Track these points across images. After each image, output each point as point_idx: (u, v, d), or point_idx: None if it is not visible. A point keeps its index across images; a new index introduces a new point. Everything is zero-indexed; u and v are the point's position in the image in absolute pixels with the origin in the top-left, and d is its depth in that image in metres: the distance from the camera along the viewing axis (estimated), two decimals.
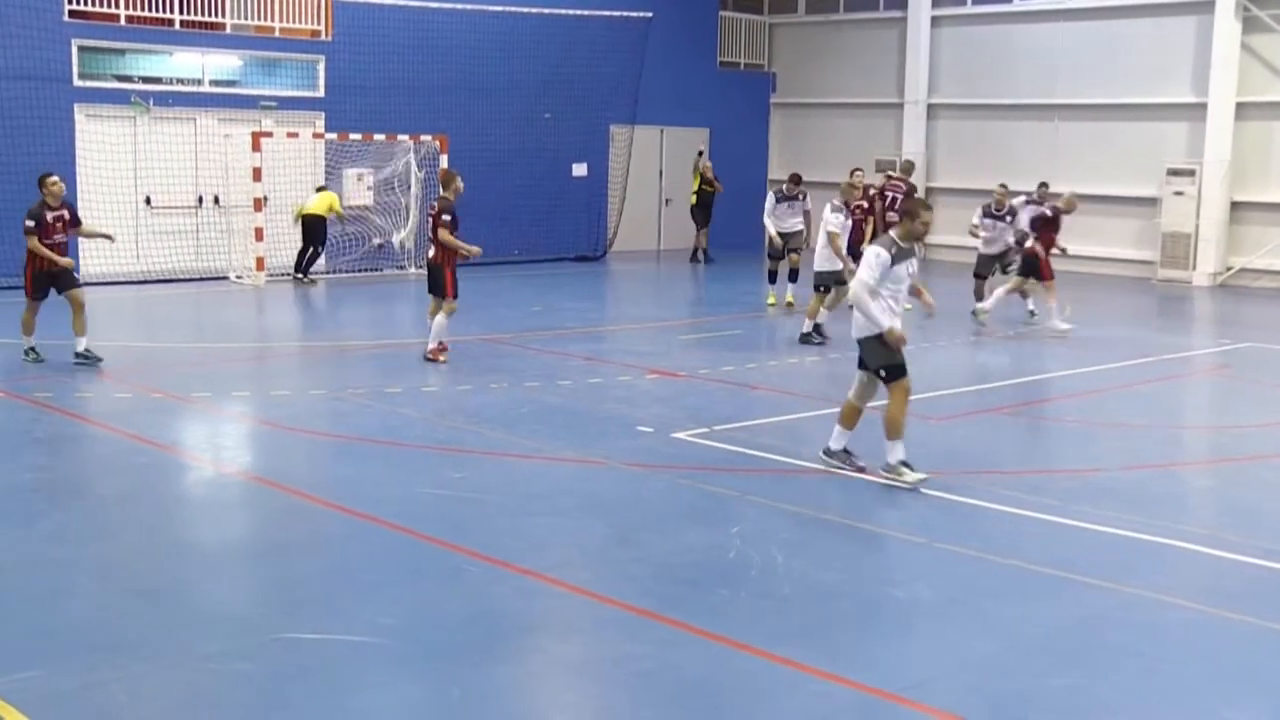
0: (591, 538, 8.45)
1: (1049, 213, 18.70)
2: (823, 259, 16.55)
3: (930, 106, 29.42)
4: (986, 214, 19.58)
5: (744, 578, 7.65)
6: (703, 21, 30.46)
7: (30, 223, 13.62)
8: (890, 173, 22.76)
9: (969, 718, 5.82)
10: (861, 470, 10.01)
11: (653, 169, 29.49)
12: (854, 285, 9.74)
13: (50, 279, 13.82)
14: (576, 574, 7.71)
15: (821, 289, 16.54)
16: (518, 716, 5.92)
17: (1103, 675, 6.35)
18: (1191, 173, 25.19)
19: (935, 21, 29.26)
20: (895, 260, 9.67)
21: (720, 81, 30.72)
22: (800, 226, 19.81)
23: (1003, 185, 20.14)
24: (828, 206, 16.79)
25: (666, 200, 29.91)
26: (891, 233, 9.90)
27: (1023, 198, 20.72)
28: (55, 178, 13.92)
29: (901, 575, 7.86)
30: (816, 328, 16.54)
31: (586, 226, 27.55)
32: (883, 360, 9.75)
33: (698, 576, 7.66)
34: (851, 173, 18.81)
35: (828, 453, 10.19)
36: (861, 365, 9.99)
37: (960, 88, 28.99)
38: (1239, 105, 24.99)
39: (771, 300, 19.95)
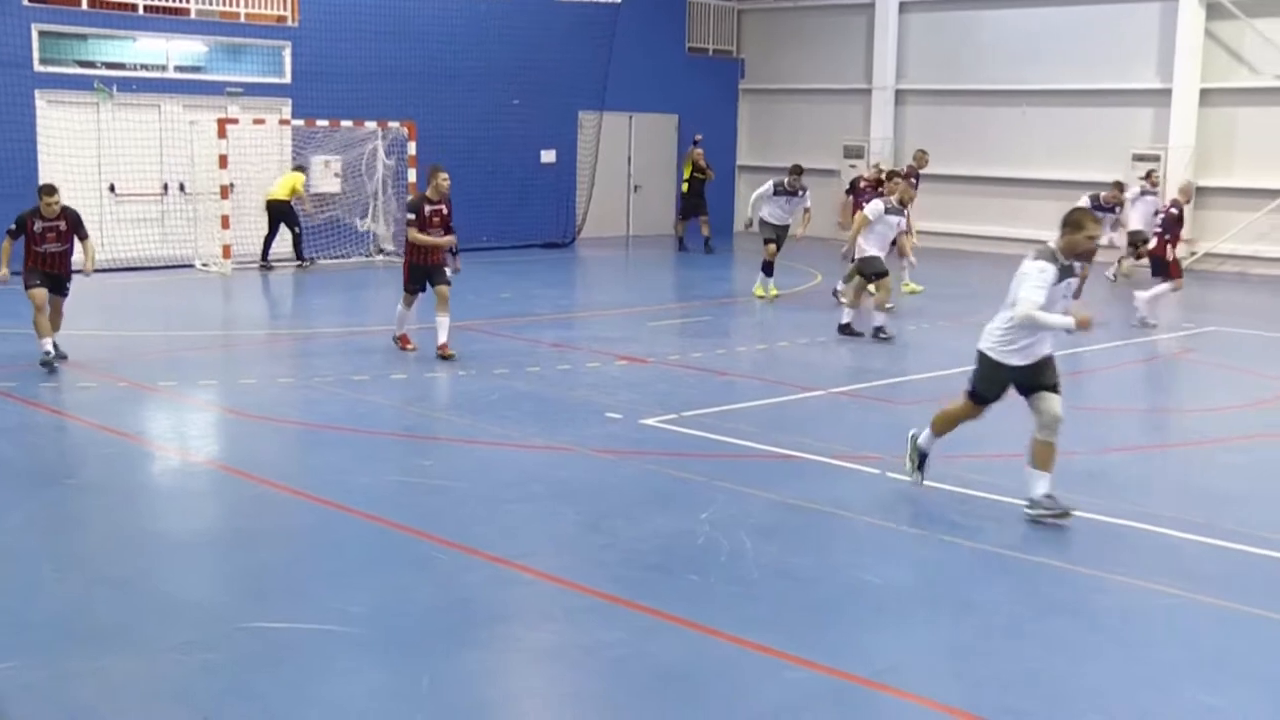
0: (562, 525, 8.41)
1: (1175, 211, 17.96)
2: (873, 248, 16.07)
3: (899, 93, 29.44)
4: (1095, 206, 19.02)
5: (714, 563, 7.63)
6: (671, 7, 30.41)
7: (13, 225, 13.22)
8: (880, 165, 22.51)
9: (946, 703, 5.82)
10: (1067, 514, 8.54)
11: (621, 155, 29.43)
12: (1022, 307, 8.28)
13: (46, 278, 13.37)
14: (547, 561, 7.67)
15: (871, 276, 16.08)
16: (489, 705, 5.88)
17: (1081, 660, 6.35)
18: (1156, 158, 25.31)
19: (903, 7, 29.28)
20: (1060, 277, 8.39)
21: (689, 68, 30.67)
22: (790, 220, 19.55)
23: (1119, 183, 20.18)
24: (879, 204, 15.99)
25: (635, 186, 29.86)
26: (1051, 244, 8.50)
27: (1136, 188, 20.49)
28: (53, 197, 13.46)
29: (873, 560, 7.85)
30: (879, 329, 15.93)
31: (555, 213, 27.46)
32: (982, 384, 8.80)
33: (668, 563, 7.63)
34: (889, 174, 18.31)
35: (1032, 504, 8.58)
36: (1025, 391, 8.68)
37: (928, 74, 29.03)
38: (1203, 91, 25.11)
39: (760, 292, 19.69)
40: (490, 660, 6.34)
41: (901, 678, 6.08)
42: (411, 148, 23.40)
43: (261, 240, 22.37)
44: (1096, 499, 9.08)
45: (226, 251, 21.64)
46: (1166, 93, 25.43)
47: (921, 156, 22.73)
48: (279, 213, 22.33)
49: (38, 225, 13.26)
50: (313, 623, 6.58)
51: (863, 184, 21.07)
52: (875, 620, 6.89)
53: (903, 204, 16.33)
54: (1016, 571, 7.66)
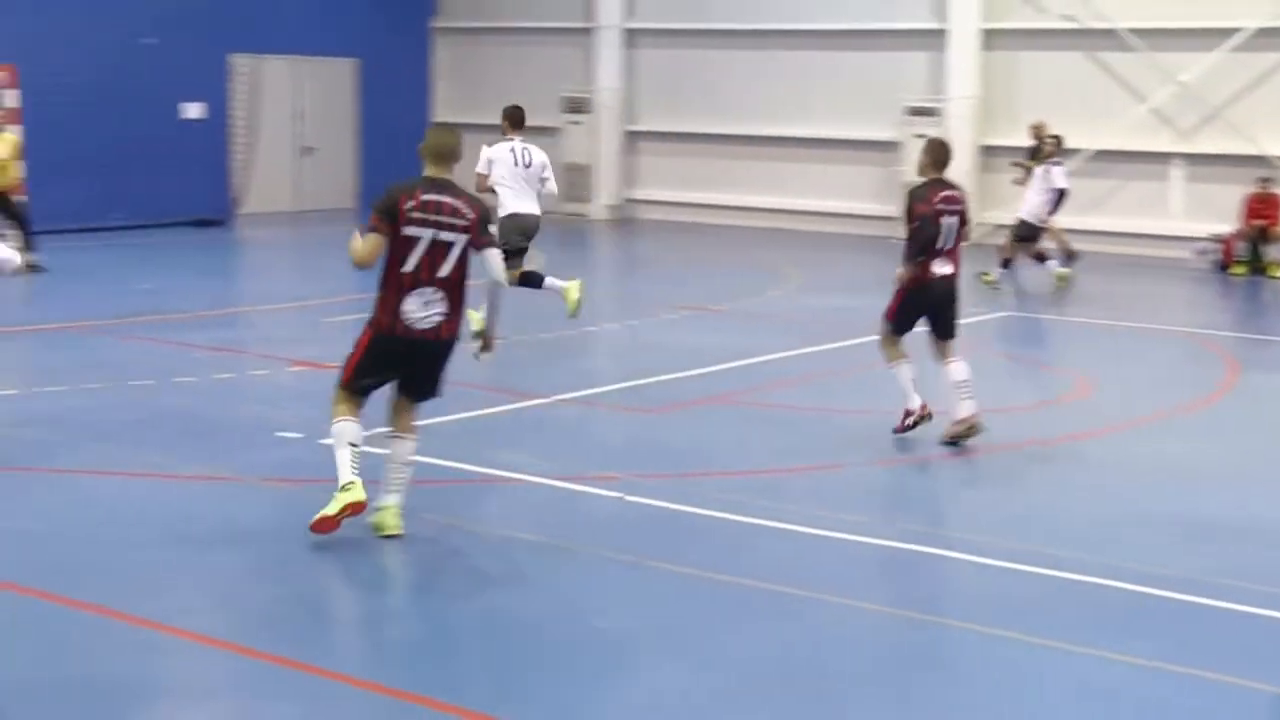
0: (222, 575, 8.29)
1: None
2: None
3: (628, 33, 29.78)
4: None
5: (414, 612, 7.64)
6: None
7: None
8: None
9: None
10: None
11: (285, 109, 29.00)
12: None
13: None
14: (203, 620, 7.55)
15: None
16: None
17: (846, 708, 6.63)
18: (934, 112, 26.19)
19: None
20: None
21: (369, 1, 30.44)
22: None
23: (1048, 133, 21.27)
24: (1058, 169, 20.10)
25: (306, 149, 29.48)
26: None
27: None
28: None
29: (605, 601, 7.99)
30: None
31: (205, 183, 26.87)
32: None
33: (360, 613, 7.62)
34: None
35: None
36: None
37: (664, 10, 29.40)
38: (985, 33, 26.17)
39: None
40: None
41: None
42: (11, 98, 22.57)
43: None
44: (873, 519, 9.47)
45: None
46: (942, 34, 26.48)
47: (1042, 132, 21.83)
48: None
49: None
50: None
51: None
52: (610, 673, 7.03)
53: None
54: (774, 609, 7.89)
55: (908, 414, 11.46)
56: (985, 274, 19.59)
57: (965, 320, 12.04)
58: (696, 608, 7.91)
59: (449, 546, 8.72)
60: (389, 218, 8.62)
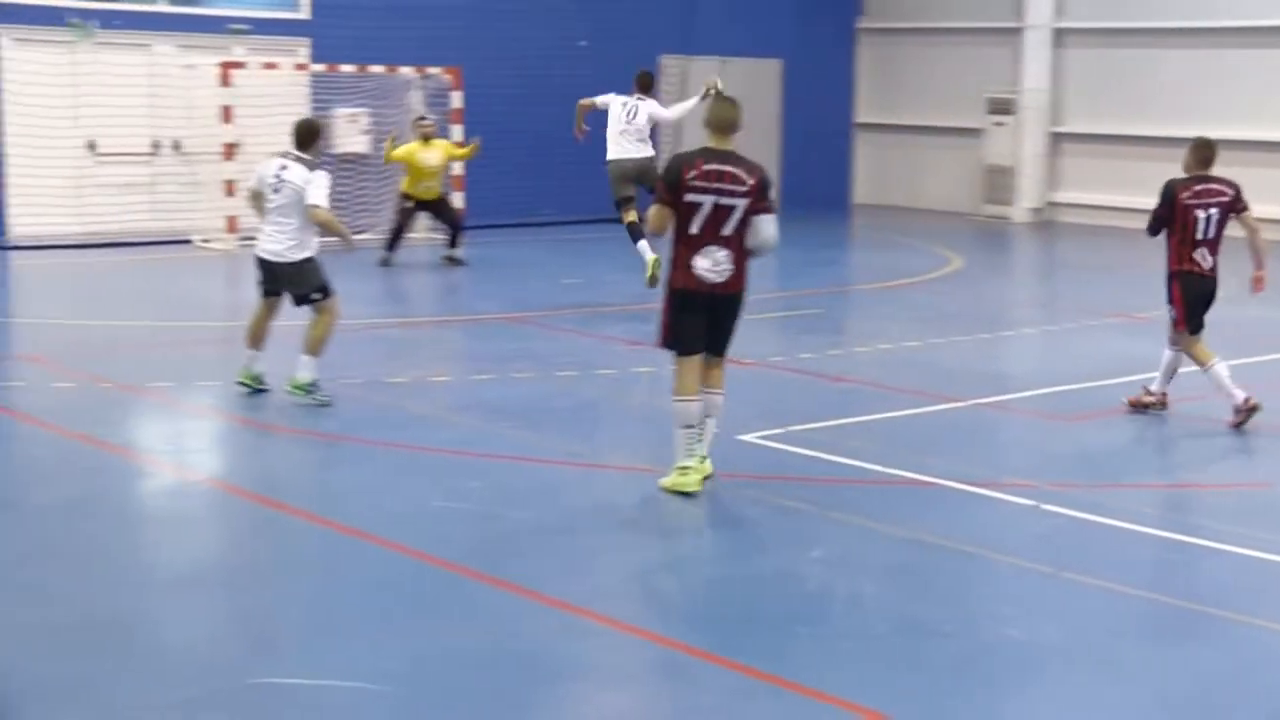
0: (640, 562, 8.46)
1: None
2: None
3: (1057, 32, 29.16)
4: None
5: (827, 614, 7.64)
6: None
7: None
8: None
9: None
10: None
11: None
12: None
13: None
14: (622, 607, 7.73)
15: None
16: None
17: None
18: None
19: None
20: None
21: (794, 3, 30.57)
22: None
23: None
24: None
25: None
26: None
27: None
28: None
29: (1018, 611, 7.83)
30: None
31: None
32: None
33: (769, 611, 7.65)
34: None
35: None
36: None
37: (1096, 8, 28.67)
38: None
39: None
40: None
41: None
42: (456, 99, 23.51)
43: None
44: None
45: (232, 224, 21.88)
46: None
47: None
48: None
49: None
50: (337, 679, 6.66)
51: None
52: (1019, 685, 6.88)
53: None
54: (1193, 628, 7.60)
55: (1238, 408, 11.66)
56: None
57: None
58: (1113, 623, 7.66)
59: (859, 548, 8.68)
60: (673, 188, 9.35)
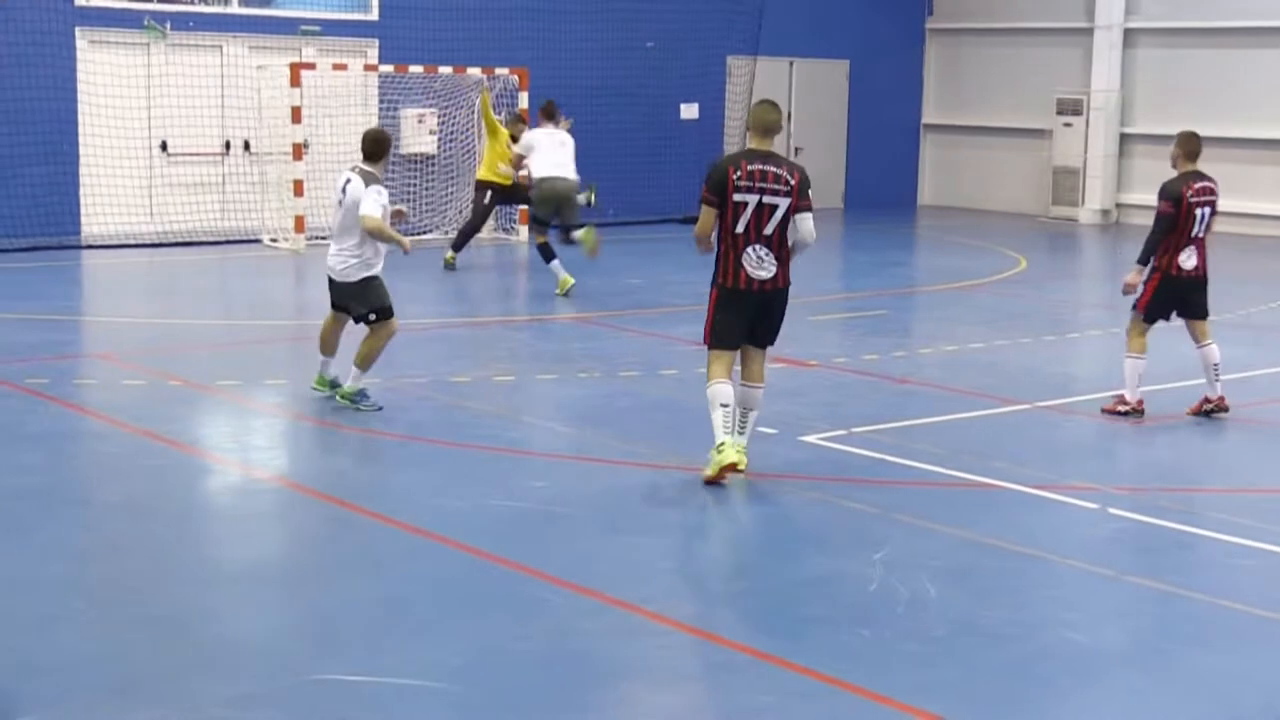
0: (701, 563, 8.47)
1: None
2: None
3: (1127, 32, 28.95)
4: None
5: (888, 615, 7.61)
6: None
7: None
8: None
9: None
10: None
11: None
12: None
13: None
14: (681, 607, 7.73)
15: None
16: None
17: None
18: None
19: None
20: None
21: (862, 3, 30.49)
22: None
23: None
24: None
25: (796, 149, 29.82)
26: None
27: None
28: None
29: (1080, 615, 7.78)
30: None
31: (695, 182, 27.37)
32: None
33: (830, 613, 7.64)
34: None
35: None
36: None
37: (1167, 7, 28.44)
38: None
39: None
40: None
41: None
42: (523, 99, 23.58)
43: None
44: None
45: (300, 224, 22.06)
46: None
47: None
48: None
49: None
50: (399, 676, 6.70)
51: None
52: (1080, 689, 6.82)
53: None
54: (1262, 636, 7.53)
55: (1121, 401, 12.06)
56: None
57: None
58: (1176, 628, 7.62)
59: (921, 550, 8.65)
60: (718, 190, 9.69)
